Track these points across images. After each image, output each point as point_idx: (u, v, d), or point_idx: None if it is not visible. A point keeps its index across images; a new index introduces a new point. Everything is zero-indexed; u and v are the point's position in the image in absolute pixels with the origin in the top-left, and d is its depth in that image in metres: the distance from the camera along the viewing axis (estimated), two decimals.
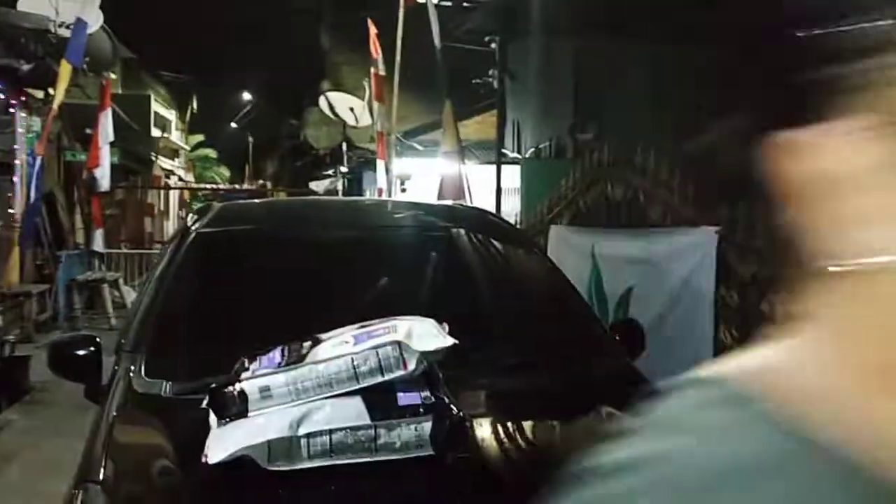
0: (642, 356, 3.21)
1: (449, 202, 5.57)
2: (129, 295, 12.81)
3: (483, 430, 2.41)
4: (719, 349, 4.04)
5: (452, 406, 2.21)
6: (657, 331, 4.20)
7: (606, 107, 8.06)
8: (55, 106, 8.83)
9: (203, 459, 2.09)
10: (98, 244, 12.23)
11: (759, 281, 3.79)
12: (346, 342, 2.29)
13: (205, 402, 2.19)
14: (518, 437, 2.57)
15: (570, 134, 8.49)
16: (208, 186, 27.81)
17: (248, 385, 2.18)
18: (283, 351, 2.34)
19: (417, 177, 14.36)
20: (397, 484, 2.17)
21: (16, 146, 11.22)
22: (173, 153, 28.31)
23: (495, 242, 3.62)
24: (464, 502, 2.17)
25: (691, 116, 6.84)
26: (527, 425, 2.60)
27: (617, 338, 3.19)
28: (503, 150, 8.87)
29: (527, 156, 10.30)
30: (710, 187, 4.27)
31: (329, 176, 20.36)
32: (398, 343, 2.22)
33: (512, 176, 9.46)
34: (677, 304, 4.30)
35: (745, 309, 3.91)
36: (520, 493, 2.25)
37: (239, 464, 2.07)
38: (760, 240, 3.77)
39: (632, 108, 7.53)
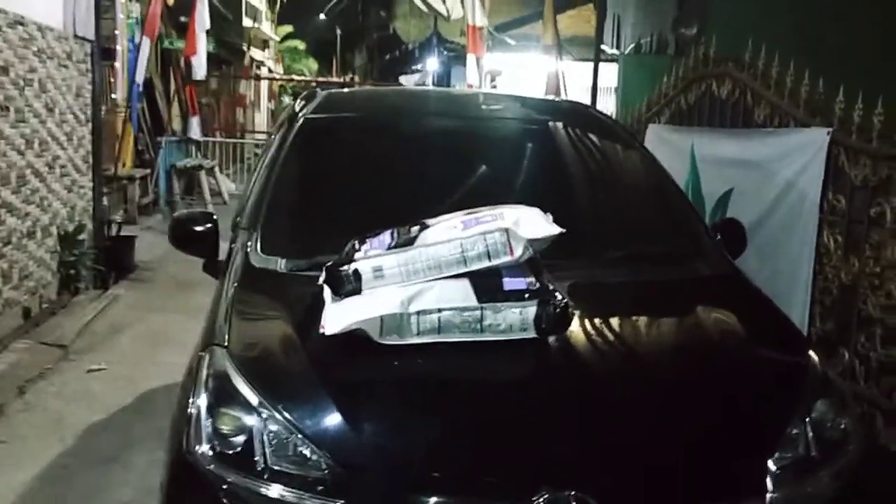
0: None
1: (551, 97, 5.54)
2: (224, 182, 13.23)
3: (584, 318, 2.47)
4: (821, 254, 3.96)
5: (556, 292, 2.26)
6: (757, 233, 4.13)
7: (712, 1, 7.70)
8: None
9: (320, 330, 2.21)
10: (195, 132, 12.57)
11: (871, 184, 3.67)
12: (455, 227, 2.35)
13: (321, 279, 2.30)
14: (616, 327, 2.61)
15: (673, 29, 8.15)
16: (297, 78, 27.96)
17: (362, 265, 2.27)
18: (392, 234, 2.41)
19: (508, 72, 14.11)
20: (500, 362, 2.26)
21: (116, 32, 11.47)
22: (263, 44, 28.47)
23: (597, 136, 3.59)
24: (562, 384, 2.26)
25: (803, 12, 6.49)
26: (625, 317, 2.64)
27: (718, 236, 3.17)
28: (601, 47, 8.60)
29: (626, 52, 9.97)
30: (824, 86, 4.09)
31: (418, 70, 20.21)
32: (506, 230, 2.27)
33: (608, 74, 9.21)
34: (780, 207, 4.20)
35: (852, 214, 3.80)
36: (617, 379, 2.33)
37: (353, 336, 2.19)
38: (875, 141, 3.64)
39: (739, 3, 7.17)
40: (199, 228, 3.03)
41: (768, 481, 2.11)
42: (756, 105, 4.62)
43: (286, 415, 2.07)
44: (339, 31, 38.46)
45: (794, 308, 3.96)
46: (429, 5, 14.91)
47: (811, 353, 2.52)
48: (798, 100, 4.22)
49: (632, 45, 10.03)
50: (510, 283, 2.27)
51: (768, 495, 2.09)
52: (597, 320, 2.53)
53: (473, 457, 2.07)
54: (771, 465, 2.14)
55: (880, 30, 5.99)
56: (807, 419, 2.24)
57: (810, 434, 2.22)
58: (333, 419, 2.07)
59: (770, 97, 4.47)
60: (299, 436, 2.04)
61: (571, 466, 2.05)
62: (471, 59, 11.77)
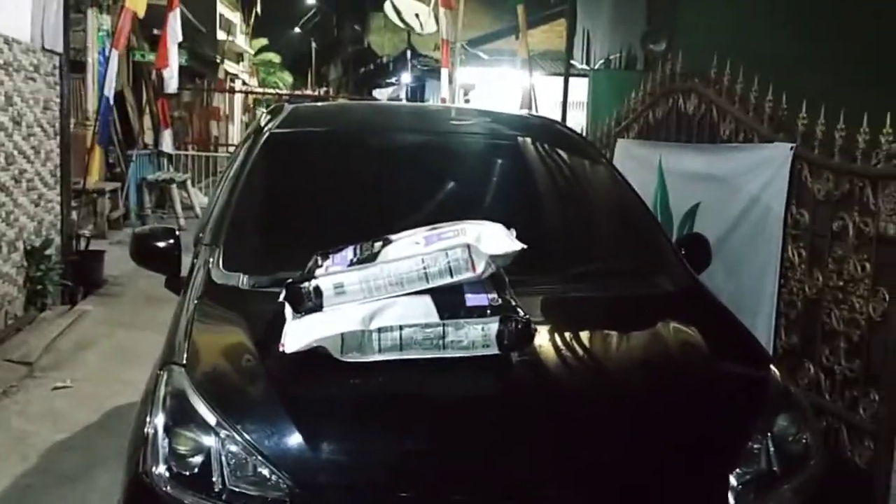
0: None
1: (520, 111, 5.59)
2: (197, 196, 13.15)
3: (546, 333, 2.47)
4: (786, 267, 3.99)
5: (518, 308, 2.26)
6: (723, 247, 4.16)
7: (680, 17, 7.79)
8: (133, 6, 8.83)
9: (280, 348, 2.19)
10: (167, 145, 12.49)
11: (833, 199, 3.71)
12: (417, 243, 2.35)
13: (281, 296, 2.29)
14: (579, 342, 2.61)
15: (642, 45, 8.24)
16: (272, 91, 27.91)
17: (323, 281, 2.26)
18: (355, 249, 2.41)
19: (481, 86, 14.18)
20: (463, 379, 2.25)
21: (88, 44, 11.39)
22: (238, 57, 28.39)
23: (563, 152, 3.60)
24: (525, 400, 2.25)
25: (767, 29, 6.60)
26: (588, 332, 2.65)
27: (682, 251, 3.19)
28: (571, 62, 8.67)
29: (596, 67, 10.07)
30: (788, 102, 4.14)
31: (392, 84, 20.25)
32: (468, 245, 2.27)
33: (579, 89, 9.28)
34: (745, 222, 4.22)
35: (816, 228, 3.84)
36: (579, 395, 2.33)
37: (313, 354, 2.17)
38: (837, 156, 3.68)
39: (706, 20, 7.27)
40: (160, 244, 3.00)
41: (730, 497, 2.12)
42: (721, 120, 4.66)
43: (245, 435, 2.05)
44: (314, 45, 38.47)
45: (760, 321, 3.99)
46: (403, 20, 14.97)
47: (773, 367, 2.54)
48: (762, 115, 4.27)
49: (601, 61, 10.13)
50: (472, 300, 2.26)
51: None
52: (559, 336, 2.53)
53: (436, 475, 2.06)
54: (732, 480, 2.14)
55: (843, 47, 6.10)
56: (768, 434, 2.25)
57: (772, 449, 2.23)
58: (293, 439, 2.05)
59: (735, 112, 4.52)
60: (258, 456, 2.02)
61: (533, 484, 2.05)
62: (444, 73, 11.83)
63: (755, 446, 2.22)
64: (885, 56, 6.03)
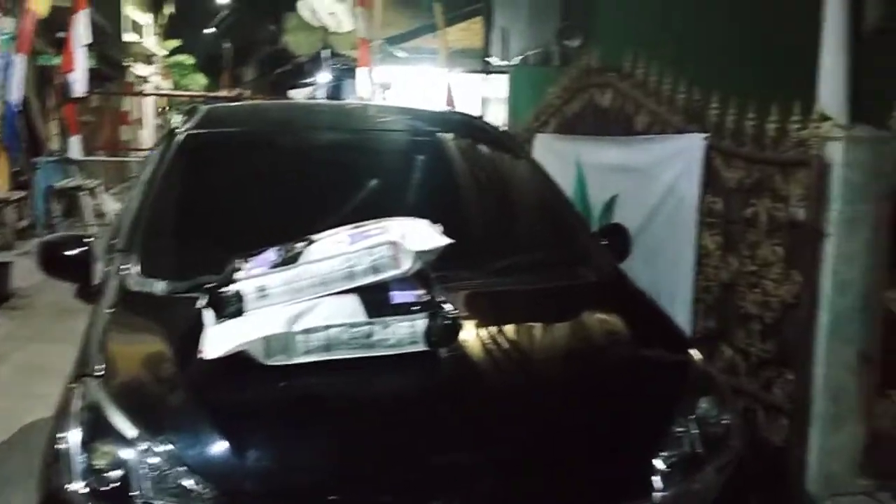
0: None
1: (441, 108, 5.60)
2: (108, 202, 12.70)
3: (473, 328, 2.47)
4: (702, 254, 4.09)
5: (445, 304, 2.25)
6: (641, 237, 4.24)
7: (595, 13, 7.92)
8: (36, 7, 8.47)
9: (199, 355, 2.13)
10: (74, 151, 12.01)
11: (745, 186, 3.82)
12: (341, 242, 2.31)
13: (201, 302, 2.22)
14: (505, 335, 2.63)
15: (558, 41, 8.36)
16: (184, 94, 27.20)
17: (245, 285, 2.21)
18: (277, 251, 2.36)
19: (399, 85, 14.13)
20: (391, 377, 2.23)
21: None
22: (148, 59, 27.63)
23: (484, 147, 3.61)
24: (453, 395, 2.25)
25: (680, 23, 6.76)
26: (514, 325, 2.66)
27: (603, 241, 3.23)
28: (488, 59, 8.73)
29: (514, 64, 10.15)
30: (700, 94, 4.24)
31: (309, 84, 19.99)
32: (392, 243, 2.25)
33: (498, 85, 9.36)
34: (661, 211, 4.32)
35: (729, 215, 3.95)
36: (507, 387, 2.34)
37: (237, 359, 2.12)
38: (748, 145, 3.79)
39: (621, 15, 7.40)
40: (70, 253, 2.86)
41: (658, 480, 2.15)
42: (636, 113, 4.75)
43: (166, 446, 1.98)
44: (228, 45, 37.71)
45: (679, 307, 4.08)
46: (317, 19, 14.81)
47: (694, 352, 2.59)
48: (676, 107, 4.36)
49: (519, 57, 10.22)
50: (398, 297, 2.25)
51: (658, 494, 2.13)
52: (486, 330, 2.53)
53: (364, 476, 2.04)
54: (659, 464, 2.18)
55: (752, 40, 6.28)
56: (691, 417, 2.29)
57: (695, 431, 2.27)
58: (217, 447, 2.00)
59: (649, 105, 4.61)
60: (181, 467, 1.95)
61: (459, 477, 2.04)
62: (362, 72, 11.73)
63: (679, 430, 2.26)
64: (791, 49, 6.25)
